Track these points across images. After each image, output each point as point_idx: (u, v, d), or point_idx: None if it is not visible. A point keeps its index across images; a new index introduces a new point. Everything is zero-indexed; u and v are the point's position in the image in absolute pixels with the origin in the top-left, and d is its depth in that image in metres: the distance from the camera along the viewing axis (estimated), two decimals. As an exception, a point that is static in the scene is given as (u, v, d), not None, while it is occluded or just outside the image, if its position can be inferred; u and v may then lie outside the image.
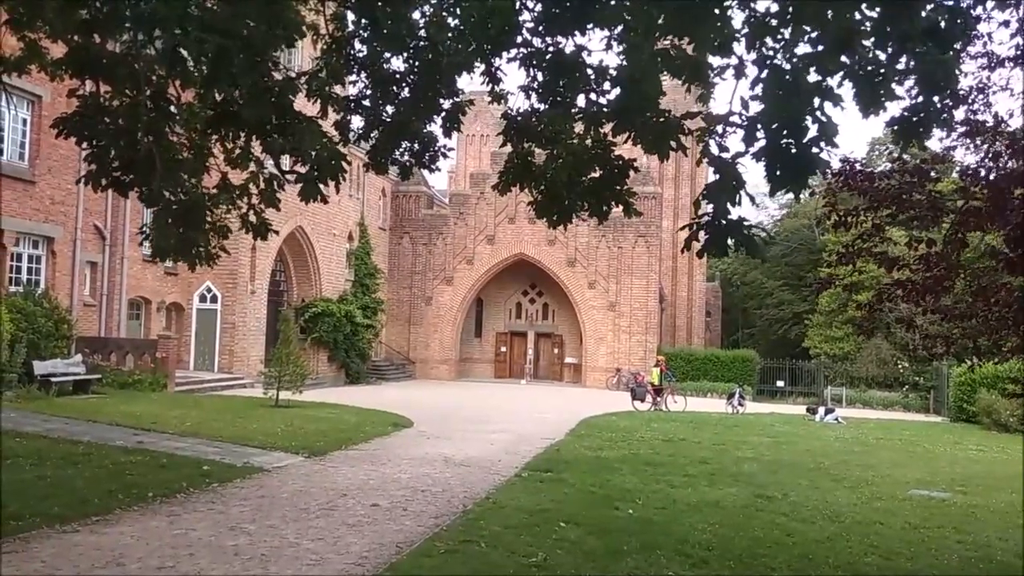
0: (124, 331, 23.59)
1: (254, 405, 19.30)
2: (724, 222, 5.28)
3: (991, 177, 7.08)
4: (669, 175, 45.82)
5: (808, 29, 4.68)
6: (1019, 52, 7.32)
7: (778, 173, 4.87)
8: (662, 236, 40.17)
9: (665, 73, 5.63)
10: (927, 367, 33.64)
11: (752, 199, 5.35)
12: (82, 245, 21.81)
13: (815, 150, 4.82)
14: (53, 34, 6.80)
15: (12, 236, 19.74)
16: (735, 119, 5.13)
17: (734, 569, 7.24)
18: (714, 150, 5.38)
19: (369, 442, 14.56)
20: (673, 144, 5.91)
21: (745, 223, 5.29)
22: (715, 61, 5.62)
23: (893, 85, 4.72)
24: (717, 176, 5.30)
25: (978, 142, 7.79)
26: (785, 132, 4.80)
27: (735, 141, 5.20)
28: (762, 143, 4.94)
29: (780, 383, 37.71)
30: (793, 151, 4.83)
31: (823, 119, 4.72)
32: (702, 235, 5.43)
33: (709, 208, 5.35)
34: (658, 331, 38.44)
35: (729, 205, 5.24)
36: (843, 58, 4.58)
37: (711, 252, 5.50)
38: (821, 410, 25.69)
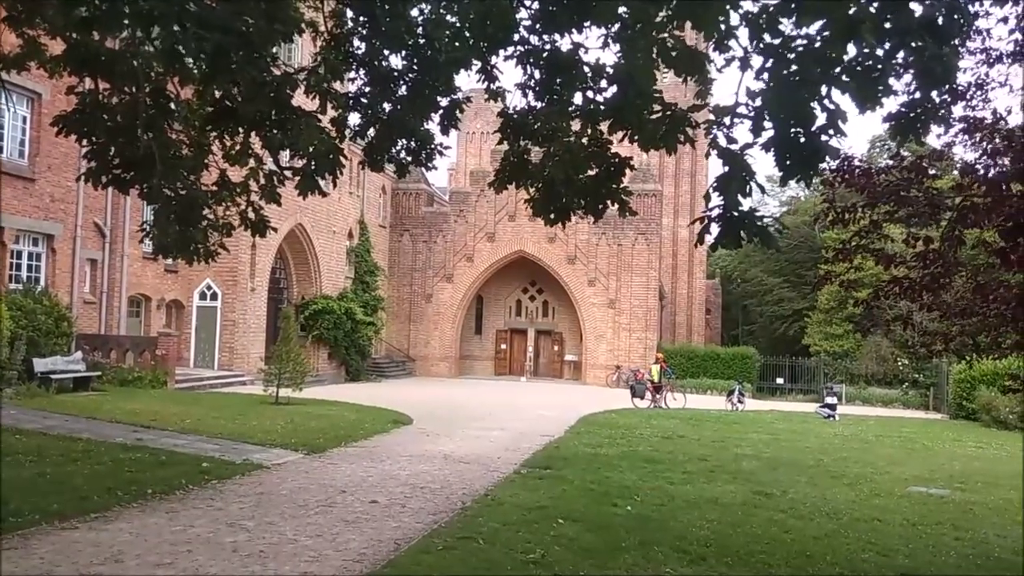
0: (124, 328, 23.59)
1: (254, 402, 19.32)
2: (736, 214, 5.27)
3: (989, 174, 7.08)
4: (669, 172, 45.79)
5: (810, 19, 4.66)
6: (1018, 48, 7.32)
7: (788, 163, 4.87)
8: (662, 233, 40.17)
9: (663, 67, 5.62)
10: (927, 364, 33.65)
11: (763, 189, 5.34)
12: (82, 242, 21.81)
13: (824, 138, 4.81)
14: (52, 31, 6.82)
15: (12, 233, 19.75)
16: (742, 110, 5.12)
17: (732, 566, 7.24)
18: (722, 142, 5.36)
19: (369, 439, 14.57)
20: (681, 137, 5.89)
21: (757, 214, 5.27)
22: (719, 53, 5.60)
23: (891, 80, 4.72)
24: (726, 168, 5.27)
25: (976, 138, 7.78)
26: (793, 121, 4.80)
27: (743, 132, 5.20)
28: (770, 133, 4.93)
29: (780, 380, 37.72)
30: (802, 140, 4.82)
31: (831, 107, 4.71)
32: (714, 228, 5.42)
33: (720, 201, 5.33)
34: (658, 328, 38.44)
35: (740, 196, 5.23)
36: (850, 47, 4.56)
37: (724, 244, 5.45)
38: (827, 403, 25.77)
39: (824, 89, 4.68)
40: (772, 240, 5.31)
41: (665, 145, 5.92)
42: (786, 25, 4.81)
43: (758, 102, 4.94)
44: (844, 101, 4.79)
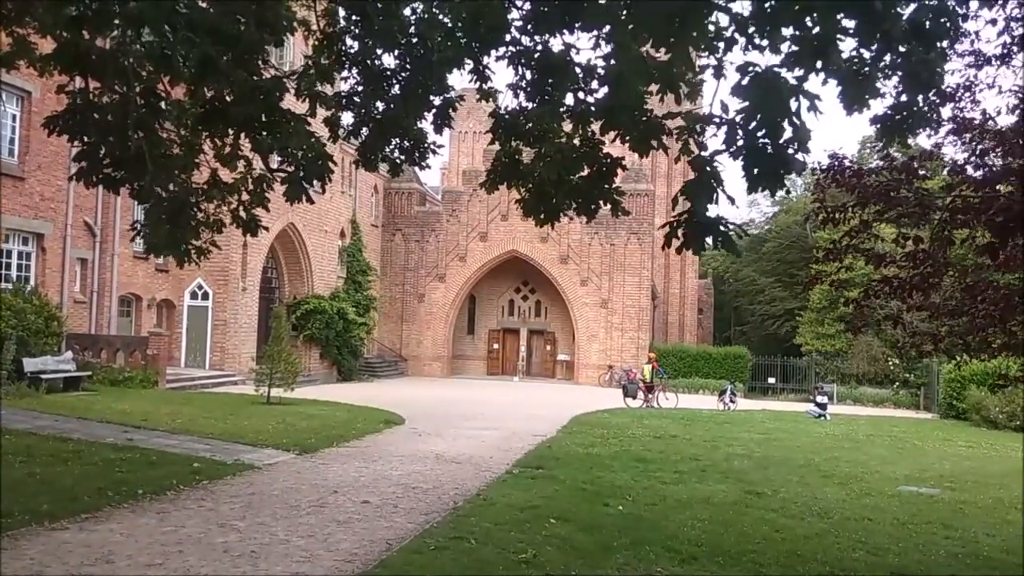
0: (115, 328, 23.50)
1: (245, 402, 19.28)
2: (703, 220, 5.32)
3: (978, 174, 7.12)
4: (662, 172, 45.87)
5: (786, 34, 4.68)
6: (1005, 50, 7.37)
7: (755, 172, 4.90)
8: (654, 233, 40.22)
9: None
10: (917, 364, 33.79)
11: (731, 199, 5.39)
12: (72, 242, 21.72)
13: (791, 151, 4.85)
14: (42, 30, 6.79)
15: (2, 233, 19.65)
16: (714, 119, 5.16)
17: (723, 565, 7.26)
18: (694, 148, 5.42)
19: (360, 439, 14.56)
20: (655, 143, 5.94)
21: (722, 221, 5.33)
22: (708, 55, 5.62)
23: (878, 83, 4.74)
24: (696, 174, 5.34)
25: (966, 139, 7.82)
26: (762, 132, 4.83)
27: (714, 140, 5.24)
28: (740, 142, 4.97)
29: (772, 380, 37.83)
30: (770, 151, 4.86)
31: (797, 123, 4.74)
32: (681, 232, 5.47)
33: (688, 206, 5.39)
34: (650, 328, 38.52)
35: (707, 203, 5.28)
36: (818, 64, 4.59)
37: (689, 248, 5.56)
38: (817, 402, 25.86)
39: (794, 105, 4.69)
40: (735, 247, 5.39)
41: (640, 149, 5.98)
42: (760, 40, 4.83)
43: (730, 112, 4.97)
44: (817, 114, 4.80)
